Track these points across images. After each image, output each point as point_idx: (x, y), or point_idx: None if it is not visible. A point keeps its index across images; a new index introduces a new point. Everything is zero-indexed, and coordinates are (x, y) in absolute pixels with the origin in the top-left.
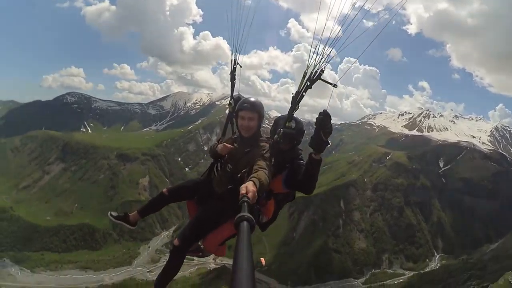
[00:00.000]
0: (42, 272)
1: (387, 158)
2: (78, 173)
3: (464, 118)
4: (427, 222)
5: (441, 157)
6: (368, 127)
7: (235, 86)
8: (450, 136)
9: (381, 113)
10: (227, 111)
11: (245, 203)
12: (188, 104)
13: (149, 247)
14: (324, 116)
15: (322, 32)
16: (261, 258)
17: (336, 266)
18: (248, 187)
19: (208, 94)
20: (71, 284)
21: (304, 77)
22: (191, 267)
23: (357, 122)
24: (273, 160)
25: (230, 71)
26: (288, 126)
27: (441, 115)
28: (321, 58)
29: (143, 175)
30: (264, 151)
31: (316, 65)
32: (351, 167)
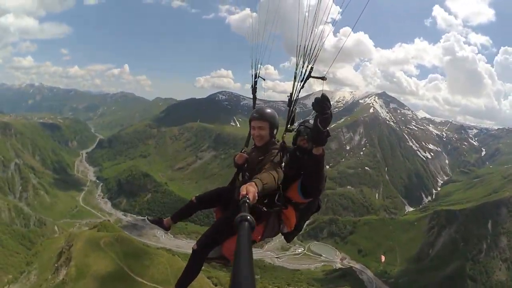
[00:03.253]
0: (183, 239)
1: None
2: (227, 160)
3: None
4: None
5: None
6: None
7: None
8: None
9: None
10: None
11: (245, 204)
12: (331, 103)
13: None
14: (322, 99)
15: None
16: (382, 256)
17: None
18: (249, 188)
19: (351, 92)
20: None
21: (295, 78)
22: (317, 262)
23: None
24: (283, 166)
25: (251, 85)
26: (290, 129)
27: None
28: (309, 56)
29: None
30: (273, 157)
31: (304, 64)
32: (506, 183)
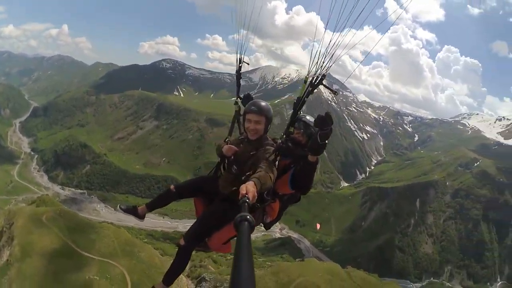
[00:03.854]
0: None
1: (475, 164)
2: (169, 131)
3: None
4: (499, 243)
5: None
6: (461, 127)
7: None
8: None
9: (477, 114)
10: (234, 110)
11: (245, 203)
12: (276, 79)
13: None
14: (325, 117)
15: (324, 40)
16: (318, 224)
17: (397, 264)
18: (248, 187)
19: (297, 70)
20: (149, 225)
21: (305, 82)
22: (257, 232)
23: (450, 120)
24: (277, 163)
25: (236, 70)
26: (290, 131)
27: None
28: (323, 64)
29: None
30: (268, 155)
31: (317, 71)
32: (435, 167)
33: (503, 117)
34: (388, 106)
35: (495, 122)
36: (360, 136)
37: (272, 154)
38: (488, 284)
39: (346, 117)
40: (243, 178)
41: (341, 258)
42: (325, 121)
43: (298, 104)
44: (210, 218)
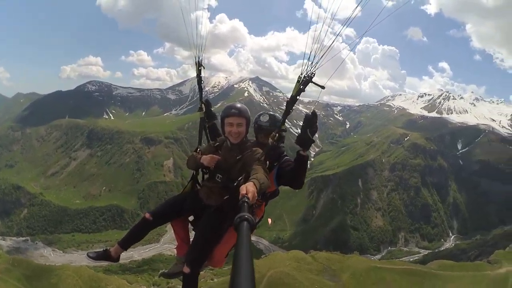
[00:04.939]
0: (74, 252)
1: (405, 139)
2: (104, 157)
3: (484, 101)
4: (443, 203)
5: (460, 139)
6: (387, 108)
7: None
8: (470, 119)
9: (400, 94)
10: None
11: (245, 203)
12: (206, 88)
13: None
14: (313, 116)
15: (316, 37)
16: (269, 219)
17: (354, 242)
18: (248, 188)
19: (226, 77)
20: (103, 260)
21: (298, 82)
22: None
23: (376, 103)
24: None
25: (196, 74)
26: (283, 129)
27: (462, 98)
28: (312, 63)
29: (167, 157)
30: (259, 155)
31: (308, 70)
32: (370, 148)
33: (424, 93)
34: (317, 99)
35: (417, 99)
36: (296, 132)
37: (263, 155)
38: (442, 240)
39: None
40: (234, 184)
41: (301, 249)
42: (313, 120)
43: (291, 103)
44: (209, 235)
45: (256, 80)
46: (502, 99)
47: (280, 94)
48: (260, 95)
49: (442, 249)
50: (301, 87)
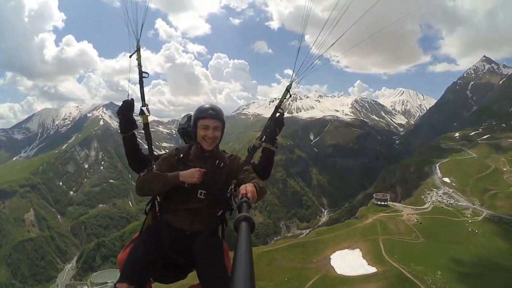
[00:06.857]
0: None
1: None
2: None
3: (327, 96)
4: (309, 187)
5: (311, 131)
6: (244, 116)
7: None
8: (317, 113)
9: (253, 102)
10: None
11: (245, 203)
12: (56, 122)
13: (57, 285)
14: (282, 117)
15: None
16: None
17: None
18: (248, 188)
19: (77, 106)
20: None
21: (287, 90)
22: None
23: (233, 113)
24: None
25: (137, 63)
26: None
27: (307, 97)
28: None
29: (27, 209)
30: (243, 160)
31: (293, 79)
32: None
33: (275, 98)
34: (177, 118)
35: (269, 104)
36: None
37: (246, 161)
38: (318, 217)
39: (140, 141)
40: (228, 195)
41: None
42: (282, 120)
43: (278, 107)
44: (227, 272)
45: (111, 106)
46: (342, 93)
47: (138, 118)
48: (117, 122)
49: (320, 224)
50: (289, 94)
